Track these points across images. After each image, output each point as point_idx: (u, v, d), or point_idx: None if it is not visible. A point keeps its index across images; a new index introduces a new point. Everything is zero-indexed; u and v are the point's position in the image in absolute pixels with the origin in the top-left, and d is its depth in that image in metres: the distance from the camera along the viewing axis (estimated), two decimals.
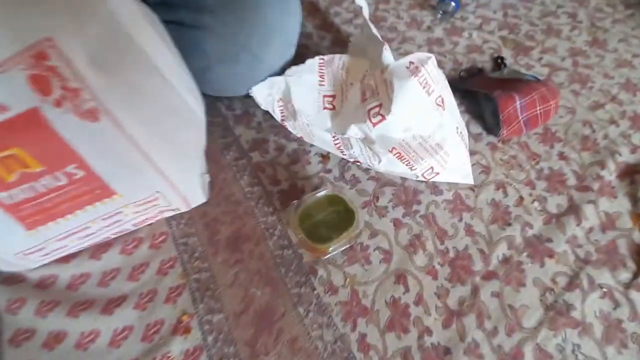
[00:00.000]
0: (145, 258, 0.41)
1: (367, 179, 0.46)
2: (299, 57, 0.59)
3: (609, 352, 0.35)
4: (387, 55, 0.44)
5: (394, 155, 0.40)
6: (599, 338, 0.36)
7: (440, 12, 0.64)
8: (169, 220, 0.43)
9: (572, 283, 0.39)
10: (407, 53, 0.59)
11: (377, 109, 0.38)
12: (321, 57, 0.46)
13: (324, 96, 0.45)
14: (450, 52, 0.60)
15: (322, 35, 0.63)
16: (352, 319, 0.37)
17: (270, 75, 0.46)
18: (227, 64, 0.43)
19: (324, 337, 0.36)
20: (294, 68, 0.45)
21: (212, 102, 0.53)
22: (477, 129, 0.51)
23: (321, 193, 0.39)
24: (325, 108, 0.45)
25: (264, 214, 0.44)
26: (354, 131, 0.40)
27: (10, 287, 0.38)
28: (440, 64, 0.58)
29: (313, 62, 0.45)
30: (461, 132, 0.42)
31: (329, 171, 0.47)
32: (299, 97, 0.44)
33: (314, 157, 0.48)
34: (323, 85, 0.45)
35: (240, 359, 0.35)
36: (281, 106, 0.46)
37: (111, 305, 0.38)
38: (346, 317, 0.37)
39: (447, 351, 0.36)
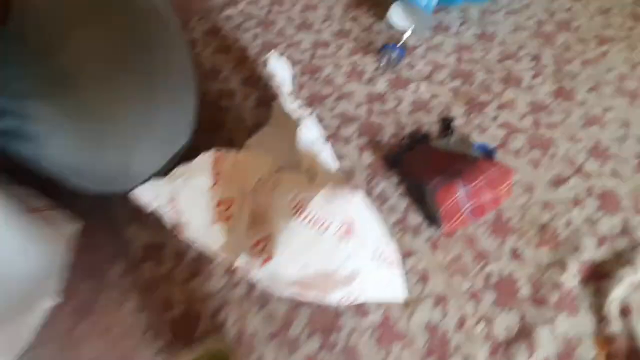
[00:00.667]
0: None
1: (277, 299, 0.38)
2: (215, 124, 0.51)
3: None
4: (304, 138, 0.36)
5: (297, 291, 0.32)
6: None
7: (384, 59, 0.56)
8: None
9: None
10: (343, 113, 0.51)
11: (262, 245, 0.30)
12: (214, 151, 0.37)
13: (218, 203, 0.36)
14: (393, 111, 0.52)
15: (247, 93, 0.54)
16: None
17: (154, 174, 0.37)
18: (85, 177, 0.34)
19: None
20: (181, 168, 0.36)
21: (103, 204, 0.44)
22: (416, 219, 0.43)
23: (198, 351, 0.31)
24: (218, 220, 0.36)
25: (149, 356, 0.36)
26: (243, 262, 0.31)
27: None
28: (380, 128, 0.50)
29: (203, 159, 0.37)
30: (381, 254, 0.33)
31: (236, 285, 0.39)
32: (187, 205, 0.36)
33: (219, 267, 0.40)
34: (216, 189, 0.37)
35: None
36: (170, 211, 0.37)
37: None
38: None
39: None
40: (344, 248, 0.30)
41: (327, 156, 0.39)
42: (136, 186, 0.39)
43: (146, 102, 0.33)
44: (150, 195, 0.36)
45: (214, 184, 0.36)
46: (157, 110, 0.34)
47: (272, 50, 0.44)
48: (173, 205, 0.36)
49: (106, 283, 0.39)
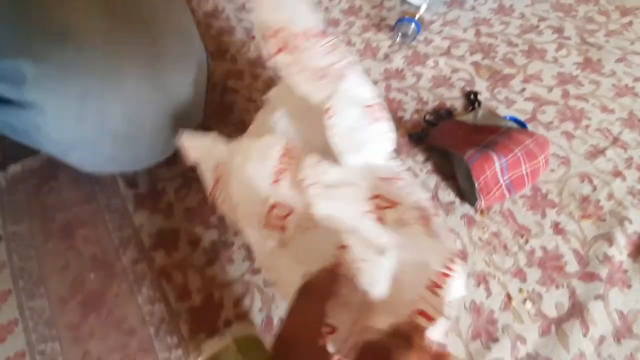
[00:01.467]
0: None
1: None
2: (226, 106, 0.48)
3: None
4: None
5: None
6: None
7: (399, 35, 0.53)
8: None
9: None
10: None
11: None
12: (284, 142, 0.29)
13: (272, 206, 0.27)
14: (413, 87, 0.49)
15: (255, 74, 0.51)
16: None
17: (163, 150, 0.34)
18: (86, 150, 0.31)
19: None
20: (245, 141, 0.29)
21: (109, 176, 0.41)
22: (448, 196, 0.40)
23: (227, 338, 0.28)
24: (268, 226, 0.27)
25: (166, 348, 0.32)
26: None
27: None
28: (400, 105, 0.47)
29: (272, 145, 0.29)
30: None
31: (258, 271, 0.36)
32: (238, 188, 0.29)
33: (239, 251, 0.37)
34: (276, 188, 0.28)
35: None
36: (213, 178, 0.30)
37: None
38: None
39: None
40: None
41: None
42: (143, 165, 0.36)
43: (151, 61, 0.30)
44: (198, 150, 0.30)
45: (275, 181, 0.28)
46: (162, 70, 0.31)
47: None
48: (219, 176, 0.31)
49: (116, 273, 0.36)
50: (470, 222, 0.38)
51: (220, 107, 0.48)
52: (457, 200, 0.39)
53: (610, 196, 0.39)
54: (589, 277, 0.35)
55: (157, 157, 0.36)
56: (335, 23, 0.57)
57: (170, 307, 0.34)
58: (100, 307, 0.34)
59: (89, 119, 0.28)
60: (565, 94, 0.48)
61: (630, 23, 0.55)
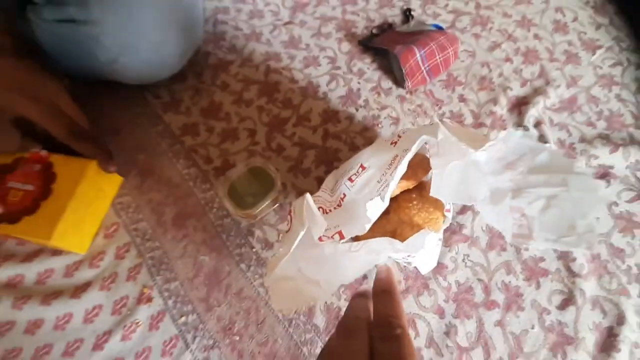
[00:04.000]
0: (101, 247, 0.46)
1: (291, 146, 0.51)
2: (219, 35, 0.61)
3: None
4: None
5: None
6: None
7: None
8: (118, 211, 0.48)
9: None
10: (323, 17, 0.62)
11: None
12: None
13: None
14: (363, 9, 0.63)
15: (238, 8, 0.63)
16: None
17: (180, 57, 0.49)
18: (130, 55, 0.45)
19: (264, 284, 0.43)
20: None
21: (139, 92, 0.55)
22: (387, 83, 0.55)
23: (242, 167, 0.44)
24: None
25: (202, 191, 0.49)
26: None
27: None
28: (353, 24, 0.61)
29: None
30: None
31: (257, 143, 0.52)
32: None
33: (243, 132, 0.53)
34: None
35: (197, 313, 0.42)
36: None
37: (78, 291, 0.43)
38: None
39: None
40: None
41: None
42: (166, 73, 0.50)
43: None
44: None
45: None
46: (181, 5, 0.45)
47: None
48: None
49: (158, 152, 0.51)
50: (402, 99, 0.54)
51: (214, 35, 0.61)
52: (394, 86, 0.55)
53: (500, 75, 0.56)
54: (479, 125, 0.52)
55: (177, 66, 0.50)
56: None
57: (201, 169, 0.50)
58: (152, 173, 0.50)
59: (134, 28, 0.42)
60: (477, 6, 0.62)
61: None
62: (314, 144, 0.51)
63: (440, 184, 0.33)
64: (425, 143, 0.35)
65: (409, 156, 0.33)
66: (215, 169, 0.50)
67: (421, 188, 0.40)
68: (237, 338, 0.41)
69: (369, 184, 0.34)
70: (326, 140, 0.51)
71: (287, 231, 0.34)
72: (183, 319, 0.42)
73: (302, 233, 0.31)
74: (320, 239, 0.32)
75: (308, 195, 0.31)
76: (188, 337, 0.41)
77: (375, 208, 0.31)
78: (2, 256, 0.45)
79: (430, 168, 0.33)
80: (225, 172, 0.49)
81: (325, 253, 0.33)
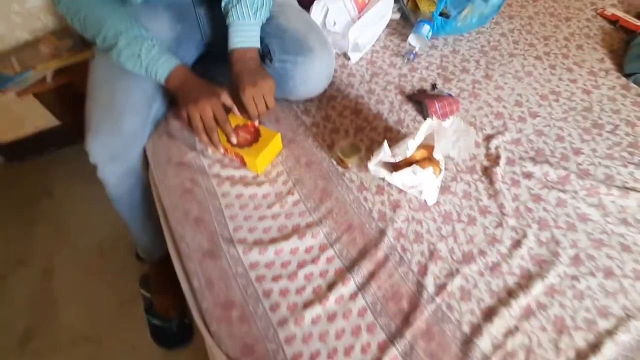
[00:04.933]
0: (269, 169, 0.93)
1: (367, 141, 0.99)
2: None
3: None
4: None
5: None
6: None
7: (406, 59, 1.19)
8: (277, 155, 0.96)
9: None
10: (388, 82, 1.14)
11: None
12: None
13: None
14: (410, 81, 1.15)
15: (341, 70, 1.17)
16: (360, 191, 0.89)
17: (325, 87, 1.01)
18: (305, 85, 0.96)
19: (349, 196, 0.88)
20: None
21: (289, 104, 1.06)
22: (420, 117, 1.04)
23: (347, 141, 0.92)
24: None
25: (320, 154, 0.96)
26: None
27: (216, 178, 0.91)
28: (404, 87, 1.13)
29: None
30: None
31: (349, 136, 1.00)
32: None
33: (342, 130, 1.01)
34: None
35: (319, 208, 0.86)
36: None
37: (260, 184, 0.90)
38: (358, 190, 0.89)
39: None
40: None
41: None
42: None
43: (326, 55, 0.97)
44: None
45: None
46: (328, 55, 0.98)
47: None
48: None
49: (298, 133, 1.00)
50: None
51: None
52: (422, 119, 1.04)
53: (481, 122, 1.03)
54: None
55: (322, 91, 1.03)
56: (376, 51, 1.23)
57: (319, 143, 0.98)
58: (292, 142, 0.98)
59: (312, 71, 0.94)
60: (473, 87, 1.13)
61: (511, 61, 1.21)
62: (378, 141, 0.99)
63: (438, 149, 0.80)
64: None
65: (422, 131, 0.80)
66: (327, 145, 0.98)
67: (430, 153, 0.87)
68: (334, 215, 0.85)
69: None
70: (389, 142, 0.99)
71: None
72: (309, 204, 0.86)
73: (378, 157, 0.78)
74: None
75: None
76: (311, 212, 0.85)
77: (411, 148, 0.78)
78: (224, 165, 0.93)
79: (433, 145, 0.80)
80: (333, 147, 0.97)
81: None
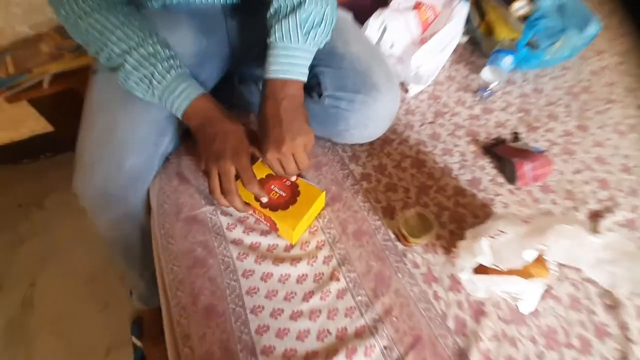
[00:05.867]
0: (307, 238, 0.71)
1: (432, 205, 0.76)
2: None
3: None
4: None
5: None
6: None
7: (479, 96, 0.96)
8: (317, 219, 0.73)
9: None
10: (456, 124, 0.91)
11: None
12: None
13: None
14: (484, 126, 0.91)
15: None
16: (429, 283, 0.66)
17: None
18: (360, 129, 0.74)
19: (414, 289, 0.65)
20: None
21: (333, 147, 0.84)
22: (501, 179, 0.81)
23: (412, 211, 0.69)
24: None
25: (373, 220, 0.74)
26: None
27: (237, 246, 0.69)
28: (477, 133, 0.90)
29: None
30: None
31: (409, 198, 0.77)
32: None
33: (400, 187, 0.79)
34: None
35: (367, 296, 0.64)
36: None
37: (294, 261, 0.67)
38: (425, 281, 0.66)
39: None
40: None
41: None
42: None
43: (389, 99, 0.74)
44: None
45: None
46: (391, 100, 0.75)
47: None
48: None
49: (344, 188, 0.78)
50: (511, 192, 0.79)
51: None
52: (505, 182, 0.80)
53: (582, 192, 0.80)
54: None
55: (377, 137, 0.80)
56: (441, 84, 1.00)
57: (372, 205, 0.76)
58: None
59: (372, 117, 0.72)
60: (567, 141, 0.89)
61: (609, 109, 0.96)
62: (448, 207, 0.76)
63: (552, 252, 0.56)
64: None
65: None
66: (382, 208, 0.76)
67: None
68: (395, 319, 0.62)
69: (512, 243, 0.58)
70: (457, 207, 0.76)
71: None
72: (359, 298, 0.64)
73: (474, 260, 0.55)
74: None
75: (483, 239, 0.56)
76: (362, 309, 0.63)
77: (530, 257, 0.54)
78: (248, 227, 0.71)
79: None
80: (389, 212, 0.75)
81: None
